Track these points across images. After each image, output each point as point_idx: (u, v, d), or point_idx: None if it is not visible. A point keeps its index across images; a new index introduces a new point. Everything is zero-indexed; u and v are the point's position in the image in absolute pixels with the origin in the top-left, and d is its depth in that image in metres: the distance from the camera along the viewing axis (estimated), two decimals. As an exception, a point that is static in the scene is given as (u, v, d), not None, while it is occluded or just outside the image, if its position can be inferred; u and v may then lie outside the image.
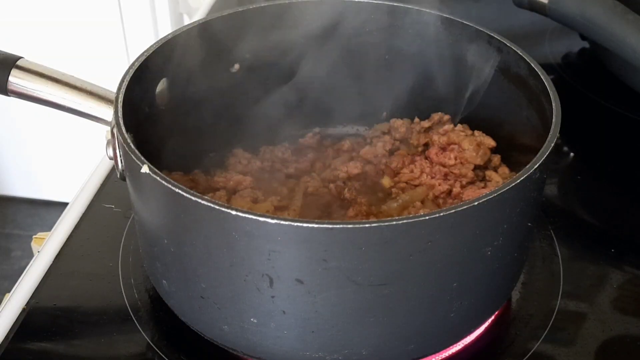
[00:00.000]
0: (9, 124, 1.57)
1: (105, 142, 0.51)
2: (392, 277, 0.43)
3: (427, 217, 0.41)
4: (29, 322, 0.55)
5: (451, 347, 0.53)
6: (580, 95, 0.84)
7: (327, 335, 0.45)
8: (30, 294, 0.56)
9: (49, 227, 0.64)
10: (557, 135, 0.47)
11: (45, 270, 0.59)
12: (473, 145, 0.60)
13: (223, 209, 0.41)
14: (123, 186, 0.51)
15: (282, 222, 0.40)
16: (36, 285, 0.57)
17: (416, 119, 0.66)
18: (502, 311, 0.57)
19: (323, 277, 0.42)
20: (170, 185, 0.42)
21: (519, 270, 0.54)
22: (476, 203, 0.42)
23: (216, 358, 0.53)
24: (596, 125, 0.81)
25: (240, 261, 0.43)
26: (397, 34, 0.63)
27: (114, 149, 0.50)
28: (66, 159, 1.56)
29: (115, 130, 0.48)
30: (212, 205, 0.41)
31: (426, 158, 0.62)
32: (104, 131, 0.52)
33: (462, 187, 0.58)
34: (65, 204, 0.67)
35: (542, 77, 0.53)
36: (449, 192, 0.58)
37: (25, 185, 1.72)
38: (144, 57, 0.53)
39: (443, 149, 0.61)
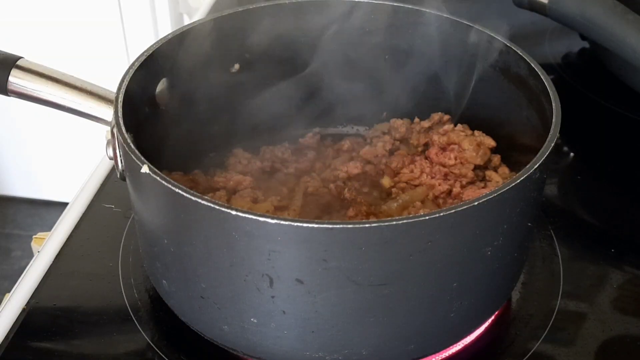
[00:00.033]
0: (9, 124, 1.57)
1: (105, 142, 0.51)
2: (392, 277, 0.43)
3: (427, 217, 0.41)
4: (29, 322, 0.55)
5: (451, 347, 0.53)
6: (580, 95, 0.84)
7: (327, 335, 0.45)
8: (30, 294, 0.56)
9: (49, 227, 0.64)
10: (557, 135, 0.47)
11: (45, 270, 0.59)
12: (473, 145, 0.60)
13: (223, 209, 0.41)
14: (123, 186, 0.51)
15: (282, 222, 0.40)
16: (36, 285, 0.57)
17: (416, 119, 0.66)
18: (502, 311, 0.57)
19: (323, 277, 0.42)
20: (170, 185, 0.42)
21: (519, 270, 0.54)
22: (476, 203, 0.42)
23: (216, 358, 0.53)
24: (596, 125, 0.81)
25: (240, 261, 0.43)
26: (398, 34, 0.63)
27: (114, 149, 0.50)
28: (66, 159, 1.56)
29: (115, 130, 0.48)
30: (212, 205, 0.41)
31: (426, 158, 0.62)
32: (104, 131, 0.52)
33: (462, 187, 0.58)
34: (65, 204, 0.67)
35: (542, 77, 0.53)
36: (449, 192, 0.58)
37: (25, 185, 1.72)
38: (144, 57, 0.53)
39: (443, 149, 0.61)
